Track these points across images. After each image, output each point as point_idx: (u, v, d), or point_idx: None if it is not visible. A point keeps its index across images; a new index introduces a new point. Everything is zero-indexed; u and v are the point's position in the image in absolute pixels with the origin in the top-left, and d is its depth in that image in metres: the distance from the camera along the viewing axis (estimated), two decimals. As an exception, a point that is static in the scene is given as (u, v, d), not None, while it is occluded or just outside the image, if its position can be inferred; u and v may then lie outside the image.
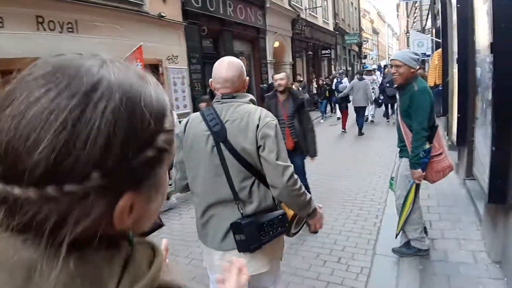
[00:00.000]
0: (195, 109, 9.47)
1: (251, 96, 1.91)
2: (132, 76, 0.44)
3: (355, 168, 7.17)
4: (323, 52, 21.36)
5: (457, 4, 5.40)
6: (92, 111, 0.39)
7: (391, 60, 3.36)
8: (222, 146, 1.76)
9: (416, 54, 3.22)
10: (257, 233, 1.72)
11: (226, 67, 1.84)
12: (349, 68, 30.75)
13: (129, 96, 0.42)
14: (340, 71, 14.62)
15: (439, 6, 9.40)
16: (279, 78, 4.54)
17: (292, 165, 1.77)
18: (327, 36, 22.73)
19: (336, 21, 25.12)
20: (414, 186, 3.19)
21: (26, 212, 0.38)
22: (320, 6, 20.53)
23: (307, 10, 18.68)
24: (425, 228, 3.55)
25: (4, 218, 0.39)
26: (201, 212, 1.88)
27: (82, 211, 0.39)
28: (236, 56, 11.45)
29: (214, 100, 1.90)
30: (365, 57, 38.15)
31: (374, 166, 7.25)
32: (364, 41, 38.01)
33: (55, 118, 0.37)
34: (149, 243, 0.49)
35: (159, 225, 0.96)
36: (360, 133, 10.80)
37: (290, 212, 1.93)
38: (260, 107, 1.85)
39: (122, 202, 0.42)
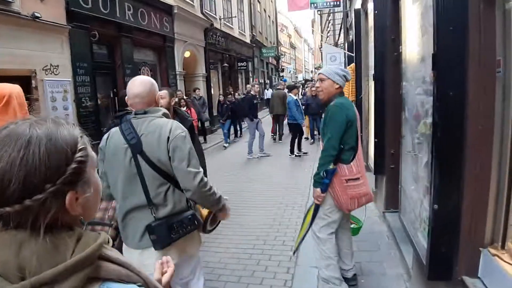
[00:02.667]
0: (82, 127, 7.95)
1: (164, 110, 2.15)
2: (49, 126, 0.73)
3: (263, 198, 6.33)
4: (240, 64, 20.68)
5: (374, 11, 4.79)
6: (32, 154, 0.68)
7: (318, 74, 3.22)
8: (139, 157, 2.00)
9: (344, 71, 3.02)
10: (167, 232, 1.99)
11: (137, 84, 2.11)
12: (267, 81, 30.65)
13: (50, 138, 0.71)
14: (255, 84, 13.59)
15: (352, 18, 9.09)
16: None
17: (202, 170, 2.06)
18: (243, 48, 22.15)
19: (253, 33, 24.74)
20: (313, 206, 3.00)
21: (15, 218, 0.68)
22: (235, 17, 19.88)
23: (222, 19, 17.86)
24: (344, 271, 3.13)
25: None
26: (121, 216, 2.11)
27: (47, 208, 0.69)
28: (138, 65, 10.00)
29: (131, 116, 2.13)
30: (283, 70, 38.62)
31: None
32: (282, 54, 38.48)
33: (13, 164, 0.67)
34: (98, 233, 0.77)
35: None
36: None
37: (205, 212, 2.29)
38: (172, 120, 2.11)
39: (68, 197, 0.72)
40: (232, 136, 13.28)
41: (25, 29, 6.57)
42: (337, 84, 2.89)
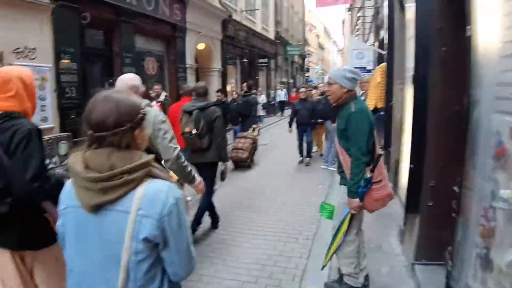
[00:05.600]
0: (64, 121, 6.91)
1: (147, 101, 2.76)
2: (126, 94, 1.33)
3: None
4: (260, 60, 19.44)
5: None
6: (121, 106, 1.24)
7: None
8: None
9: (354, 73, 2.90)
10: None
11: (120, 79, 2.82)
12: (291, 80, 29.30)
13: (128, 99, 1.28)
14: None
15: (384, 15, 7.74)
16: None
17: (179, 146, 2.99)
18: (266, 44, 20.90)
19: (278, 29, 23.45)
20: (349, 216, 2.92)
21: (106, 140, 1.22)
22: (258, 9, 18.64)
23: (243, 12, 16.66)
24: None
25: (94, 144, 1.24)
26: None
27: (126, 135, 1.23)
28: (141, 55, 8.84)
29: None
30: (308, 70, 37.10)
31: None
32: (308, 54, 36.96)
33: (111, 111, 1.22)
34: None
35: None
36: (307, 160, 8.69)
37: (175, 177, 2.91)
38: (152, 109, 2.98)
39: (136, 131, 1.27)
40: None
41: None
42: (346, 87, 2.82)
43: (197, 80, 12.54)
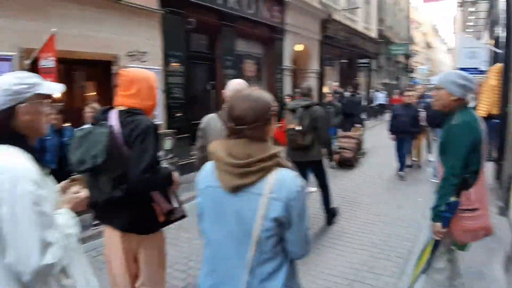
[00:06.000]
0: (170, 119, 7.47)
1: None
2: (261, 92, 1.53)
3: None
4: (361, 61, 18.71)
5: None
6: (258, 105, 1.46)
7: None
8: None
9: (467, 79, 2.50)
10: None
11: (233, 83, 3.06)
12: (395, 82, 27.66)
13: (263, 98, 1.49)
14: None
15: (500, 9, 6.81)
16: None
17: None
18: (367, 44, 20.03)
19: (381, 27, 22.32)
20: (432, 242, 2.59)
21: (244, 132, 1.43)
22: (360, 8, 17.93)
23: (344, 11, 16.20)
24: None
25: (233, 135, 1.47)
26: None
27: (260, 129, 1.45)
28: (241, 58, 9.26)
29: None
30: (412, 70, 34.63)
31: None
32: (414, 53, 34.51)
33: (250, 108, 1.44)
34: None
35: (182, 216, 2.41)
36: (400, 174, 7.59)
37: None
38: None
39: (268, 126, 1.48)
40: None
41: (109, 12, 6.23)
42: (455, 95, 2.50)
43: (295, 81, 12.55)
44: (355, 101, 10.14)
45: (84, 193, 1.67)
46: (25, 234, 1.34)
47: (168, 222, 2.36)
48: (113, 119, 2.18)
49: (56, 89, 1.62)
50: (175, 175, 2.32)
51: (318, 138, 4.53)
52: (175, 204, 2.36)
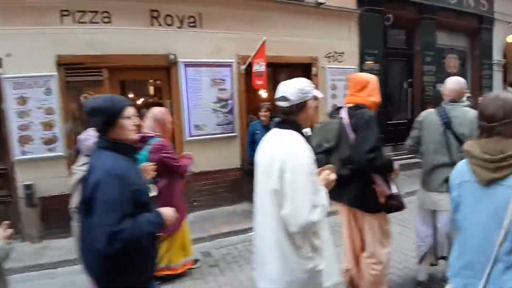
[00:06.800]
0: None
1: (467, 102, 3.05)
2: (506, 94, 1.65)
3: None
4: None
5: None
6: (506, 105, 1.56)
7: None
8: (447, 131, 2.93)
9: None
10: None
11: (454, 82, 3.06)
12: None
13: (508, 99, 1.60)
14: None
15: None
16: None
17: None
18: None
19: None
20: None
21: (495, 130, 1.55)
22: None
23: None
24: None
25: (485, 133, 1.60)
26: (429, 166, 3.06)
27: (510, 126, 1.54)
28: (442, 52, 8.45)
29: (443, 103, 3.06)
30: None
31: None
32: None
33: (499, 108, 1.55)
34: None
35: (401, 206, 2.65)
36: None
37: None
38: (472, 109, 2.90)
39: None
40: None
41: (308, 17, 6.47)
42: None
43: (505, 77, 10.66)
44: None
45: (333, 176, 2.02)
46: (301, 195, 1.74)
47: (388, 210, 2.65)
48: (343, 113, 2.68)
49: (320, 94, 2.04)
50: (396, 165, 2.64)
51: None
52: (395, 191, 2.61)
